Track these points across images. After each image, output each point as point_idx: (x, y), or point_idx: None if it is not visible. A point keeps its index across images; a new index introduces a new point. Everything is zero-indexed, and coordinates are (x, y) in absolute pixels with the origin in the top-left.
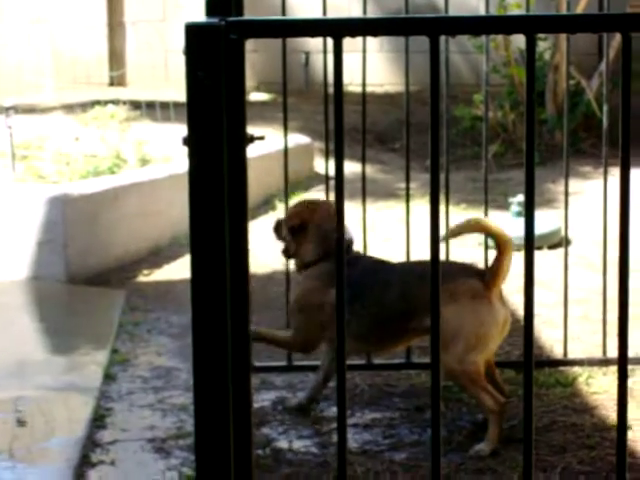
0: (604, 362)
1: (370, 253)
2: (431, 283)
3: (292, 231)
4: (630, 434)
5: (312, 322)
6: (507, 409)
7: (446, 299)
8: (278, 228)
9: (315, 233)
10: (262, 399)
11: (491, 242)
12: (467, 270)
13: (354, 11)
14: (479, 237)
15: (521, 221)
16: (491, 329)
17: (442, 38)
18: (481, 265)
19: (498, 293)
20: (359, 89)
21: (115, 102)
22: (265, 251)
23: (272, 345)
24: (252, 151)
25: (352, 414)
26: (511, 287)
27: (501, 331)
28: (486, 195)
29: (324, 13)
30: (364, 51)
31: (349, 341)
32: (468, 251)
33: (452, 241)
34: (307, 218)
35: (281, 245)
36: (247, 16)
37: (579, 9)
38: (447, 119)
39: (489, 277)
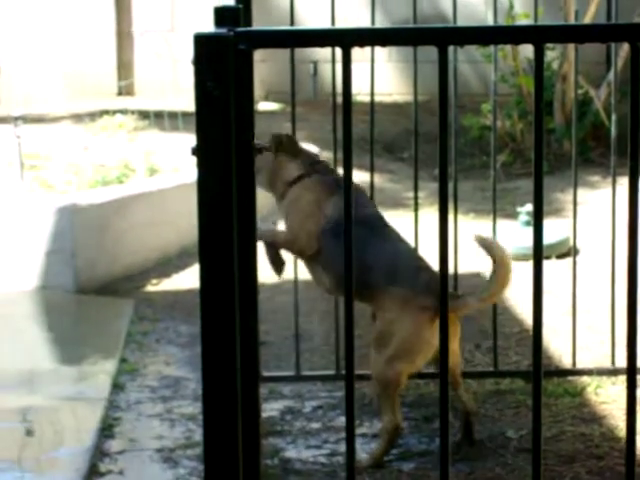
0: (613, 372)
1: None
2: (441, 295)
3: (275, 151)
4: (639, 444)
5: (305, 228)
6: (400, 434)
7: (400, 303)
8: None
9: (295, 149)
10: (270, 409)
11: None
12: (434, 287)
13: (362, 21)
14: None
15: (529, 230)
16: (426, 349)
17: (450, 48)
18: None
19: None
20: (367, 99)
21: (123, 112)
22: None
23: (273, 248)
24: None
25: (361, 424)
26: (520, 296)
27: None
28: (494, 204)
29: (332, 23)
30: (372, 61)
31: (331, 278)
32: (480, 260)
33: (464, 250)
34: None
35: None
36: (255, 26)
37: (587, 19)
38: (455, 129)
39: (459, 302)
